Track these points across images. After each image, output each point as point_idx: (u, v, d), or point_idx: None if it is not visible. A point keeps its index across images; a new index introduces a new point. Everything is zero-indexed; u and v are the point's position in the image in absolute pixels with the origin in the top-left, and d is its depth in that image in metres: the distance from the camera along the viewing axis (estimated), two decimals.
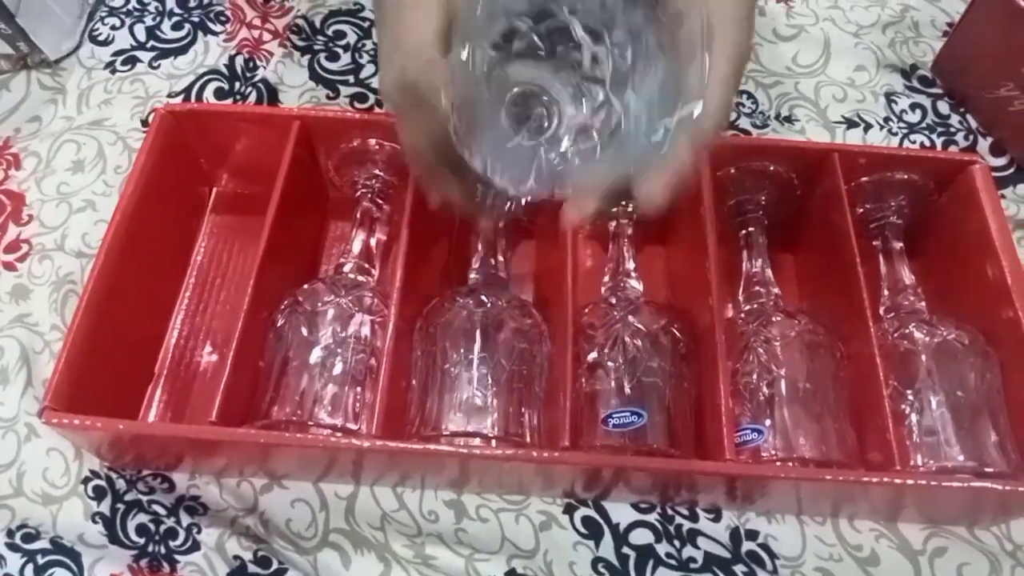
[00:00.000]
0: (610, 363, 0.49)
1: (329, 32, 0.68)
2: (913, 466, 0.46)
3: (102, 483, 0.50)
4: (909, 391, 0.48)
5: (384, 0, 0.39)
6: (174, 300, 0.57)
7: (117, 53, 0.67)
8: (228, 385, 0.44)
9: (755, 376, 0.49)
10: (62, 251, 0.57)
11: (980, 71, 0.63)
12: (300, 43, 0.67)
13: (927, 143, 0.64)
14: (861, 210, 0.56)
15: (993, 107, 0.63)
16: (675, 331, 0.50)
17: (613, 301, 0.51)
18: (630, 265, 0.53)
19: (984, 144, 0.64)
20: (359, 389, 0.48)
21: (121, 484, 0.50)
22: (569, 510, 0.50)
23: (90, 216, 0.59)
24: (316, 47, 0.67)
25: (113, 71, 0.66)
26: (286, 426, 0.46)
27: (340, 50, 0.67)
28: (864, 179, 0.54)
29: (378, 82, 0.41)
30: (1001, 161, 0.64)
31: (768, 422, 0.47)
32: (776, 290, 0.53)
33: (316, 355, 0.48)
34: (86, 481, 0.50)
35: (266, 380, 0.48)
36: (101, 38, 0.68)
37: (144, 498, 0.49)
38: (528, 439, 0.47)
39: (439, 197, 0.44)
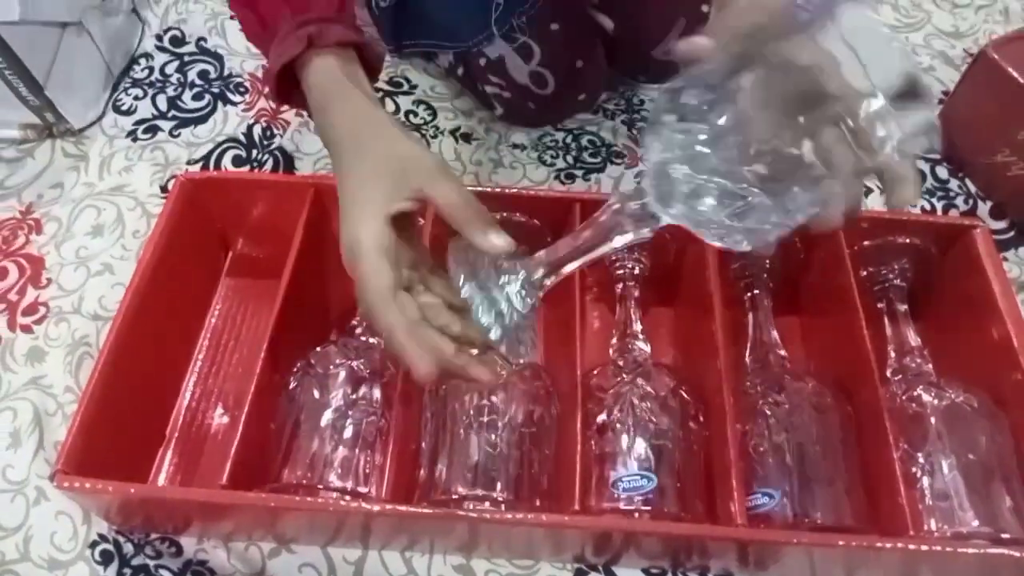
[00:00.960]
0: (619, 425, 0.49)
1: None
2: (927, 531, 0.46)
3: (109, 547, 0.49)
4: (920, 454, 0.48)
5: (347, 179, 0.41)
6: (187, 362, 0.57)
7: (139, 122, 0.70)
8: (240, 448, 0.44)
9: (765, 439, 0.49)
10: (79, 314, 0.58)
11: (977, 138, 0.65)
12: None
13: (928, 207, 0.65)
14: (865, 273, 0.56)
15: (991, 172, 0.65)
16: (683, 393, 0.50)
17: (621, 363, 0.52)
18: (637, 327, 0.54)
19: (984, 208, 0.65)
20: (369, 452, 0.48)
21: (128, 548, 0.49)
22: (579, 575, 0.49)
23: (107, 279, 0.60)
24: None
25: (134, 139, 0.69)
26: (296, 489, 0.46)
27: None
28: (867, 243, 0.55)
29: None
30: (1001, 224, 0.65)
31: (779, 486, 0.47)
32: (783, 352, 0.53)
33: (327, 417, 0.48)
34: (93, 545, 0.49)
35: (277, 442, 0.48)
36: (124, 108, 0.71)
37: (151, 563, 0.49)
38: (537, 502, 0.47)
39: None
